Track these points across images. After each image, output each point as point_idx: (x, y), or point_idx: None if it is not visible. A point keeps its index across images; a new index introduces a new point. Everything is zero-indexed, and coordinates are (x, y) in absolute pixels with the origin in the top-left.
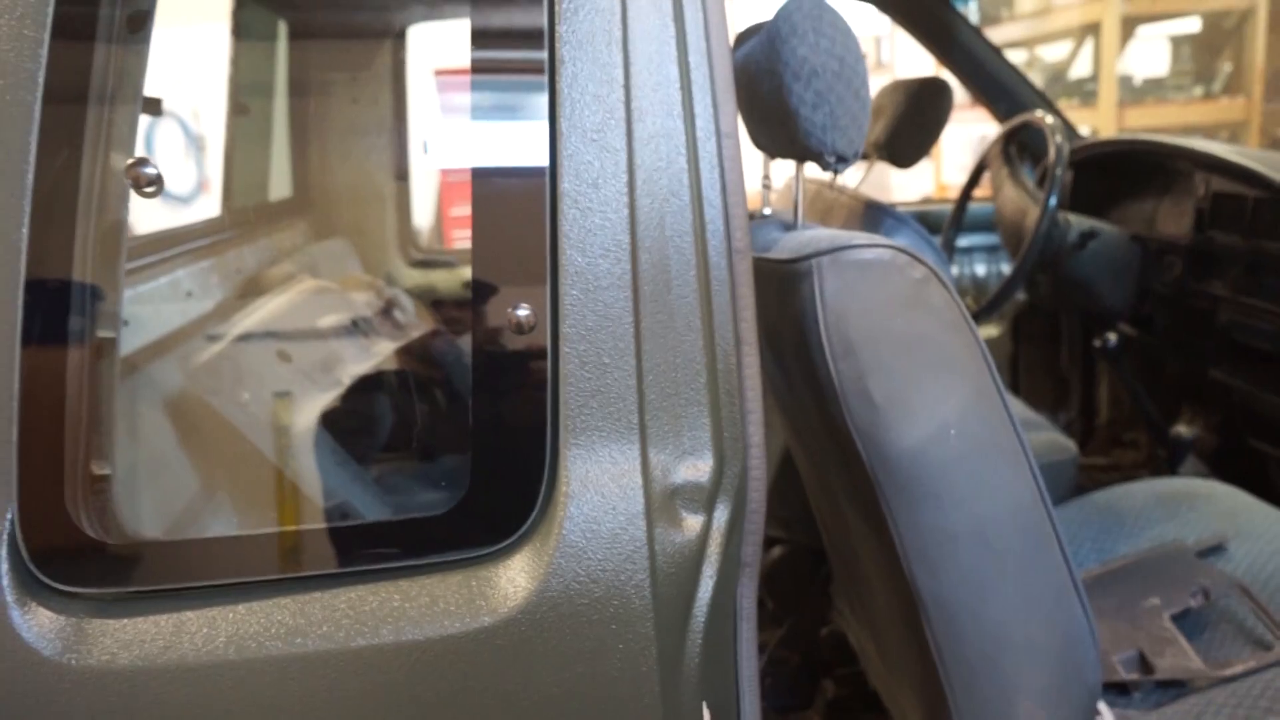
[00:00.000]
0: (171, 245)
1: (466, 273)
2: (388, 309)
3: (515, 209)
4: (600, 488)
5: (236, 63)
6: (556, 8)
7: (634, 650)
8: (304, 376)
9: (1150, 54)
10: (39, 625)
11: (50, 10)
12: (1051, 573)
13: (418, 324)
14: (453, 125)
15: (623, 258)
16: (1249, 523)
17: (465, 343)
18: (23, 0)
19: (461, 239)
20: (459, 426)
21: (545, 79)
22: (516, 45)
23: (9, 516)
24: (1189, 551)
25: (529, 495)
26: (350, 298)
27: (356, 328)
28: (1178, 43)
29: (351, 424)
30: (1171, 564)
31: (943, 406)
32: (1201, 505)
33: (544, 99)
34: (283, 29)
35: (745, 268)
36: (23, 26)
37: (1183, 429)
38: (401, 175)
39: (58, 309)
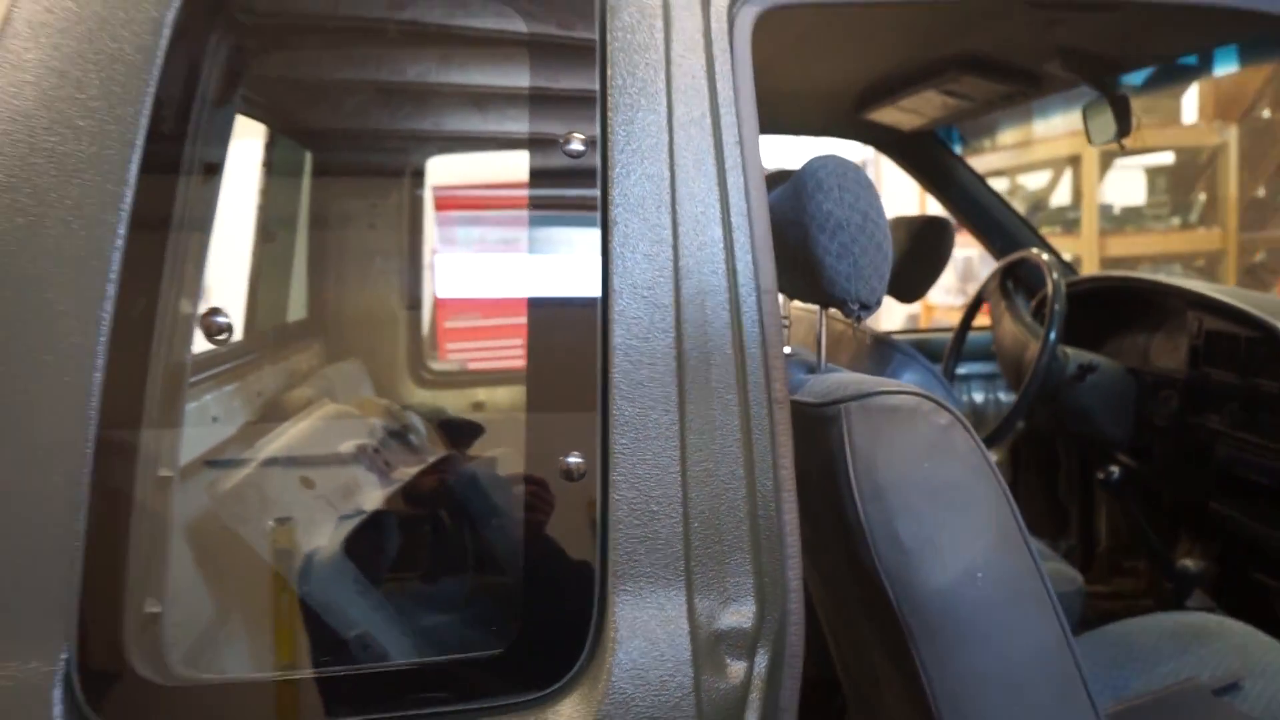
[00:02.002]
0: (202, 369)
1: (476, 392)
2: (402, 433)
3: (568, 360)
4: (648, 634)
5: (266, 192)
6: (610, 172)
7: None
8: (326, 503)
9: (1127, 184)
10: None
11: (135, 163)
12: (1077, 714)
13: (433, 450)
14: (459, 251)
15: (670, 408)
16: (1262, 660)
17: (514, 484)
18: (107, 156)
19: (456, 351)
20: (510, 571)
21: (599, 238)
22: (573, 200)
23: (64, 657)
24: (1205, 690)
25: (578, 640)
26: (370, 423)
27: (378, 454)
28: (1153, 174)
29: (390, 559)
30: (1188, 703)
31: (970, 550)
32: (1213, 641)
33: (597, 257)
34: (308, 161)
35: (784, 417)
36: (106, 180)
37: (1189, 562)
38: (413, 298)
39: (126, 450)
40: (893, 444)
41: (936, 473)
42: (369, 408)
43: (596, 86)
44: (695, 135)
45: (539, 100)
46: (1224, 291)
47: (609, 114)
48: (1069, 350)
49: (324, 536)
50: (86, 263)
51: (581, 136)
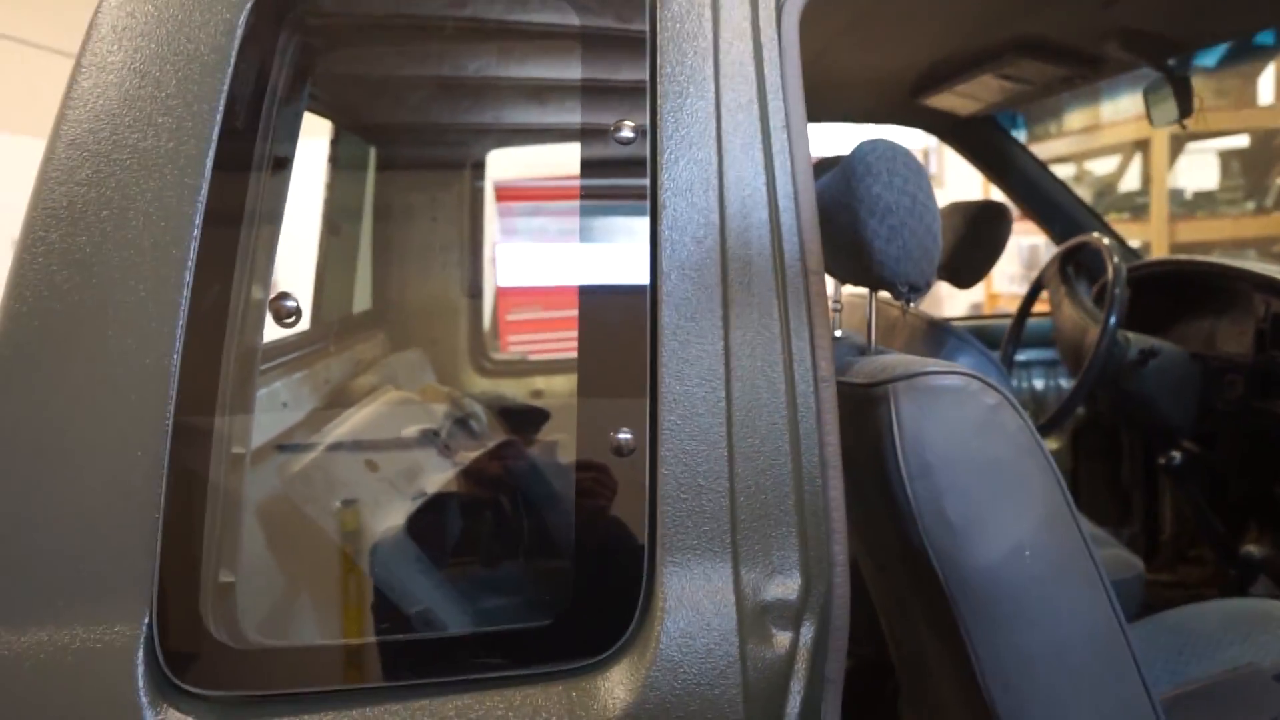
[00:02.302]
0: (270, 358)
1: (534, 380)
2: (465, 420)
3: (618, 339)
4: (695, 604)
5: (332, 186)
6: (659, 156)
7: None
8: (389, 485)
9: (1200, 169)
10: None
11: (210, 158)
12: (1129, 696)
13: (494, 436)
14: (520, 241)
15: (718, 386)
16: None
17: (568, 460)
18: (184, 151)
19: (517, 343)
20: (561, 542)
21: (648, 218)
22: (623, 188)
23: (145, 621)
24: (1266, 674)
25: (627, 610)
26: (430, 409)
27: (439, 438)
28: (1226, 158)
29: (452, 536)
30: (1249, 688)
31: (1018, 528)
32: (1276, 627)
33: (645, 237)
34: (373, 155)
35: (830, 394)
36: (184, 174)
37: (1253, 548)
38: (474, 289)
39: (202, 428)
40: (941, 423)
41: (984, 451)
42: (431, 394)
43: (646, 76)
44: (742, 121)
45: (591, 91)
46: None
47: (658, 102)
48: (1130, 335)
49: (386, 515)
50: (166, 252)
51: (631, 124)
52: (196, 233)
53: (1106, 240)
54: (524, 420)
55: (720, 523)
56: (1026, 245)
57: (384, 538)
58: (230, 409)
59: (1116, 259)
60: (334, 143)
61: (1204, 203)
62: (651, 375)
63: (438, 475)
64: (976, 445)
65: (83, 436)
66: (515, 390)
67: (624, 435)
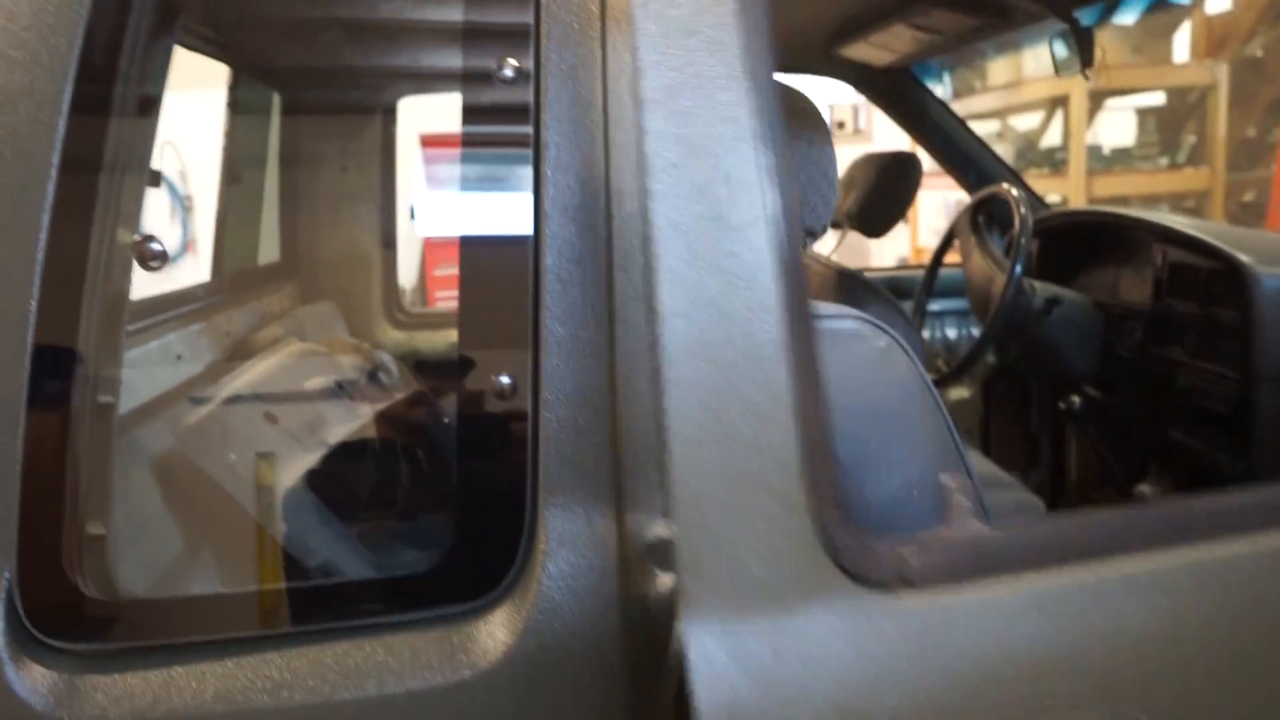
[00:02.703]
0: (163, 310)
1: (451, 334)
2: (373, 372)
3: (500, 282)
4: (577, 546)
5: (231, 133)
6: (543, 93)
7: (609, 702)
8: (290, 438)
9: (1117, 125)
10: (33, 681)
11: (68, 94)
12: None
13: (402, 387)
14: (440, 191)
15: (601, 329)
16: None
17: (449, 406)
18: (39, 87)
19: (445, 299)
20: (442, 487)
21: (530, 159)
22: (505, 125)
23: (6, 575)
24: None
25: (508, 553)
26: (337, 360)
27: (342, 390)
28: (1144, 115)
29: (337, 485)
30: None
31: (907, 469)
32: None
33: (529, 177)
34: (276, 102)
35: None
36: (39, 111)
37: (1145, 488)
38: (389, 240)
39: (63, 376)
40: (831, 367)
41: (874, 394)
42: (338, 347)
43: (531, 18)
44: (628, 62)
45: (473, 32)
46: (1189, 224)
47: (542, 41)
48: (1036, 284)
49: (280, 467)
50: (21, 193)
51: (515, 64)
52: (54, 173)
53: (1015, 191)
54: (427, 370)
55: (602, 466)
56: (953, 200)
57: (271, 489)
58: (95, 357)
59: (1024, 210)
60: (233, 89)
61: (1121, 159)
62: (534, 319)
63: (332, 426)
64: (866, 388)
65: None
66: (430, 343)
67: (505, 380)
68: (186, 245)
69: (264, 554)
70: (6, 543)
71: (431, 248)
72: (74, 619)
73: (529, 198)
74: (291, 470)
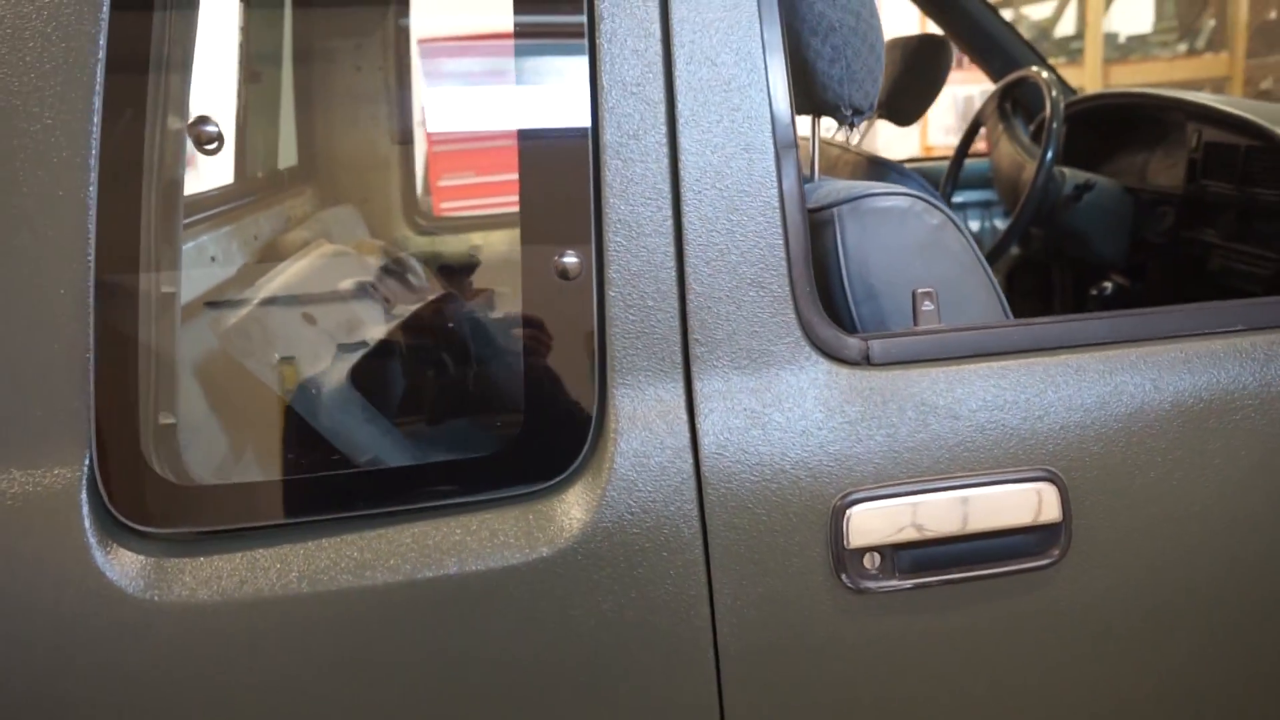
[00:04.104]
0: (195, 211)
1: (473, 238)
2: (404, 268)
3: (560, 162)
4: (648, 423)
5: (246, 30)
6: None
7: (686, 578)
8: (356, 336)
9: (1134, 11)
10: (122, 565)
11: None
12: None
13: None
14: (455, 91)
15: (664, 205)
16: None
17: (514, 289)
18: None
19: (450, 209)
20: (512, 371)
21: (585, 36)
22: (558, 4)
23: (86, 462)
24: None
25: (579, 433)
26: (366, 261)
27: (378, 288)
28: (1160, 1)
29: (414, 373)
30: None
31: None
32: None
33: (584, 55)
34: None
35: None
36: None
37: (1106, 284)
38: (406, 144)
39: (126, 265)
40: (885, 245)
41: (929, 271)
42: (366, 248)
43: None
44: None
45: None
46: (1226, 102)
47: None
48: (1066, 170)
49: (334, 359)
50: (70, 75)
51: None
52: (101, 54)
53: (1045, 74)
54: (467, 267)
55: (670, 342)
56: (962, 96)
57: (335, 378)
58: (156, 246)
59: (1055, 92)
60: None
61: (1138, 46)
62: (595, 195)
63: (382, 321)
64: (921, 265)
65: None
66: (454, 247)
67: (569, 259)
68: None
69: (333, 442)
70: (85, 430)
71: (437, 158)
72: (157, 504)
73: (584, 72)
74: (374, 358)
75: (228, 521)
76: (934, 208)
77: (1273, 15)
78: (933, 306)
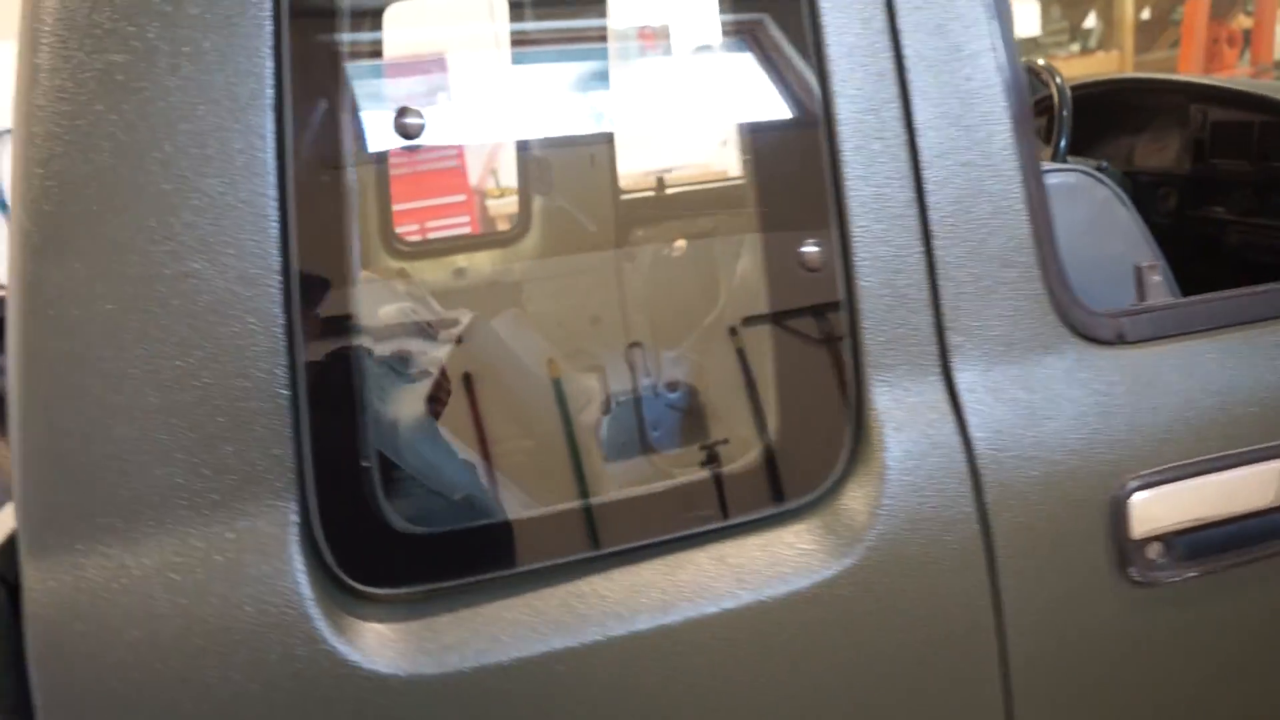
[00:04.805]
0: None
1: (450, 260)
2: None
3: (793, 144)
4: (914, 422)
5: None
6: None
7: (970, 582)
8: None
9: (1022, 16)
10: (355, 636)
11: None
12: None
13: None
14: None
15: (906, 184)
16: None
17: (757, 281)
18: None
19: (409, 233)
20: (764, 376)
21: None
22: None
23: (295, 513)
24: None
25: (838, 438)
26: None
27: None
28: (1047, 3)
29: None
30: None
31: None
32: None
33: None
34: None
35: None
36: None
37: None
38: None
39: (327, 280)
40: (1059, 218)
41: (1100, 247)
42: None
43: None
44: None
45: None
46: (1230, 82)
47: None
48: (1071, 159)
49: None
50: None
51: None
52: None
53: (1041, 61)
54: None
55: (925, 332)
56: None
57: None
58: (348, 279)
59: (1059, 80)
60: None
61: (1031, 48)
62: (833, 179)
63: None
64: (1091, 242)
65: (178, 305)
66: (433, 271)
67: (812, 248)
68: None
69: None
70: (294, 478)
71: (394, 181)
72: (386, 560)
73: (809, 45)
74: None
75: (470, 572)
76: (1099, 182)
77: (1146, 14)
78: (1160, 279)
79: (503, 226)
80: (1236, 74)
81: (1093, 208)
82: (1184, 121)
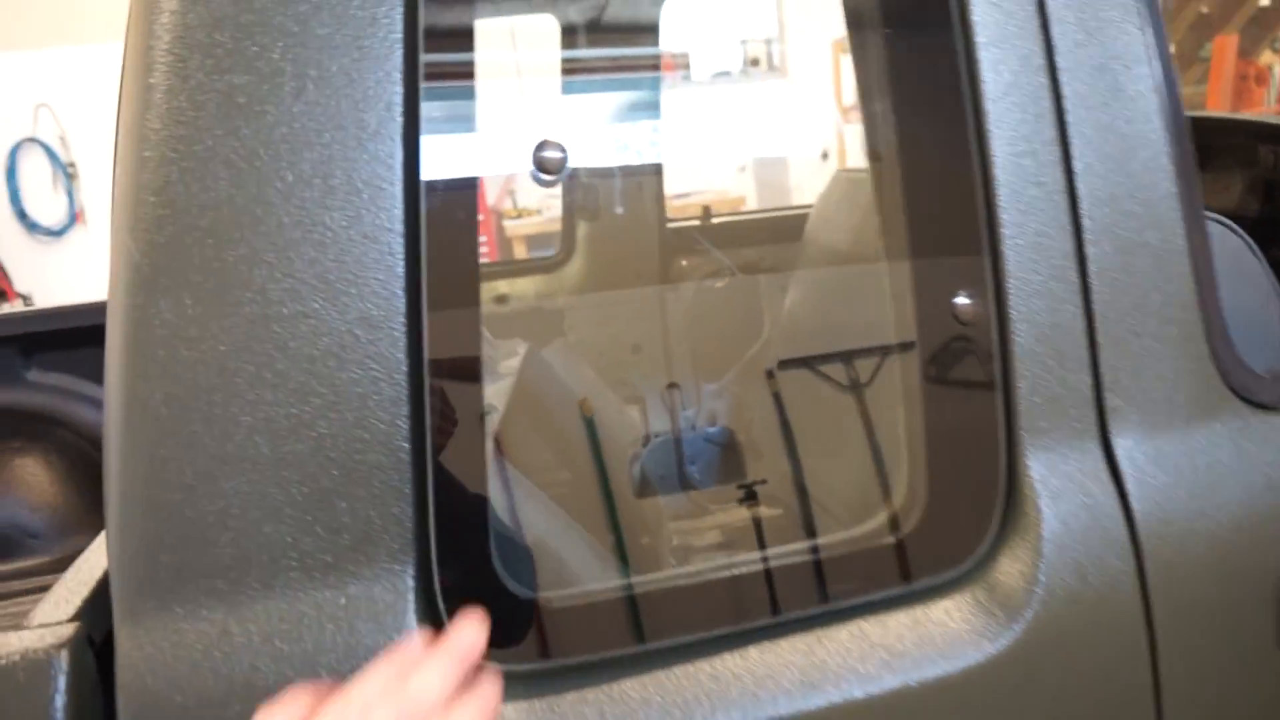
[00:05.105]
0: None
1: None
2: None
3: (941, 185)
4: (1071, 491)
5: None
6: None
7: (1130, 662)
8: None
9: None
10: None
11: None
12: None
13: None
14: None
15: (1064, 231)
16: None
17: (905, 340)
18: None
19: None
20: (915, 438)
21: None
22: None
23: (412, 580)
24: None
25: (989, 505)
26: None
27: None
28: None
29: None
30: None
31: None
32: None
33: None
34: None
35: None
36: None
37: None
38: None
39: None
40: None
41: (1231, 298)
42: None
43: None
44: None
45: None
46: None
47: None
48: None
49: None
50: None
51: None
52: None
53: None
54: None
55: (1083, 394)
56: None
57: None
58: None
59: None
60: None
61: None
62: (988, 225)
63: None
64: (1225, 293)
65: (295, 348)
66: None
67: (965, 300)
68: (75, 216)
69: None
70: (410, 536)
71: None
72: (509, 631)
73: (958, 78)
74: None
75: (611, 646)
76: (1232, 231)
77: (1172, 50)
78: None
79: (519, 248)
80: (1264, 111)
81: (1225, 259)
82: (1249, 162)
